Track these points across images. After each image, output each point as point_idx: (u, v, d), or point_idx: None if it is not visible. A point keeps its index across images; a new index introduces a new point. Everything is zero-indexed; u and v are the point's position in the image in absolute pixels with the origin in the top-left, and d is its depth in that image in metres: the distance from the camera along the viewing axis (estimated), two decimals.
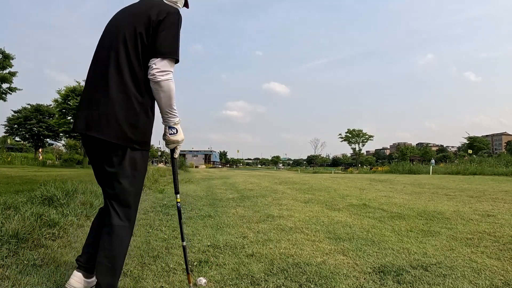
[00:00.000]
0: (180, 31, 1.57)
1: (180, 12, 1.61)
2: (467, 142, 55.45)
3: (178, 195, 1.75)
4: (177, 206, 1.78)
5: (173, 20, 1.52)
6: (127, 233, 1.52)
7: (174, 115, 1.56)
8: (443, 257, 2.29)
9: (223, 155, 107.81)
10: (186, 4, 1.80)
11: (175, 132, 1.59)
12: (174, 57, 1.49)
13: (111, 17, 1.67)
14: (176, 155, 1.69)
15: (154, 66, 1.45)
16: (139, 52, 1.48)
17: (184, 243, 1.79)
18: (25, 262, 2.02)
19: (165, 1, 1.64)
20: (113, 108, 1.45)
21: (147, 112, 1.52)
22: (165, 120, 1.57)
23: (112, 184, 1.52)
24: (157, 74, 1.44)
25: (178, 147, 1.65)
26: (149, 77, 1.46)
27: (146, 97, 1.51)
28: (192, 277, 1.86)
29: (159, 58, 1.45)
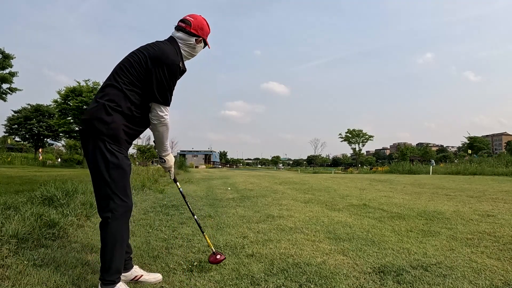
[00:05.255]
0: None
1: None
2: (468, 142, 55.42)
3: (178, 183, 2.19)
4: (180, 190, 2.21)
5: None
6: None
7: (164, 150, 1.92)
8: (443, 257, 2.29)
9: (223, 155, 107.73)
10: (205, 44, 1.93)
11: (163, 162, 1.96)
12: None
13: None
14: (171, 177, 2.09)
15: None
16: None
17: (195, 217, 2.24)
18: (25, 262, 2.02)
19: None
20: None
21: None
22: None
23: None
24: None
25: (169, 171, 2.02)
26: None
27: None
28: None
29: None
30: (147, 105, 1.76)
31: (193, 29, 1.79)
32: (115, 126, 1.64)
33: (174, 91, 1.81)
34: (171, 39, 1.81)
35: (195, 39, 1.80)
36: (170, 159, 1.96)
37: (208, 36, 1.90)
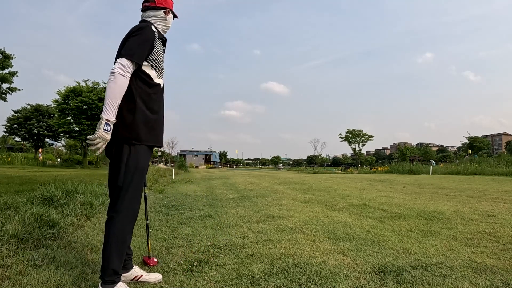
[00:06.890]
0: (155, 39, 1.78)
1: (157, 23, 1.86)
2: (468, 142, 55.44)
3: (146, 188, 2.14)
4: (144, 195, 2.15)
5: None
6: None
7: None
8: (443, 257, 2.29)
9: (223, 155, 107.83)
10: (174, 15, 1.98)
11: (108, 131, 1.55)
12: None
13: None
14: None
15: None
16: None
17: (147, 222, 2.29)
18: (25, 262, 2.02)
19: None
20: None
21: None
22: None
23: None
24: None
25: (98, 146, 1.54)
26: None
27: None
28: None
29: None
30: (154, 86, 1.78)
31: (158, 4, 1.87)
32: (137, 126, 1.70)
33: (158, 62, 1.79)
34: (142, 21, 1.87)
35: (164, 11, 1.88)
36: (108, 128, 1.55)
37: (173, 6, 1.94)
